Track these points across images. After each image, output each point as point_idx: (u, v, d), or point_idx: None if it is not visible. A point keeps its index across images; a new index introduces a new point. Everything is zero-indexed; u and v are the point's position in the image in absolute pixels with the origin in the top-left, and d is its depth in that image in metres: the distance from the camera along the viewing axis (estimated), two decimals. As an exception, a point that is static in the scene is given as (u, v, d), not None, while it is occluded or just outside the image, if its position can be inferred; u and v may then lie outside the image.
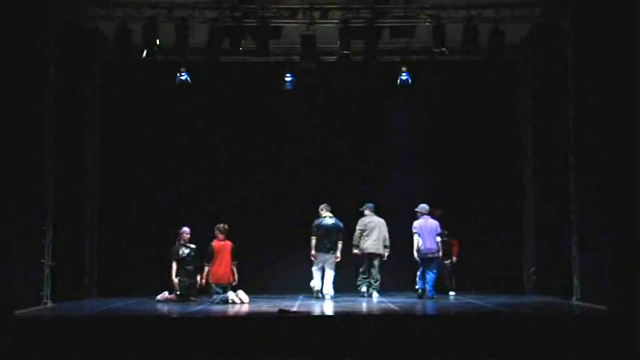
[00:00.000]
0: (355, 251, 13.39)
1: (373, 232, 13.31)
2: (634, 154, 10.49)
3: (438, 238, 13.18)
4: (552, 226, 13.46)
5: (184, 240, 13.04)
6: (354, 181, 14.92)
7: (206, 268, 12.59)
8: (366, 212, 13.50)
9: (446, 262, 13.81)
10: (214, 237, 12.66)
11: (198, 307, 11.84)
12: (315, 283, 13.25)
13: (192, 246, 13.04)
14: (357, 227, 13.39)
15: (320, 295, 13.10)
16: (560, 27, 12.74)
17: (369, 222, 13.40)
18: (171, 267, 12.84)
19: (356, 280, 13.48)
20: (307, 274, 13.51)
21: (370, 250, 13.29)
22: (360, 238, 13.36)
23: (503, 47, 12.96)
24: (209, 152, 14.93)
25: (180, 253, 12.95)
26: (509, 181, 14.74)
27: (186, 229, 13.12)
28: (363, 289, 13.32)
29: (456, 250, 14.05)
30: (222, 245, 12.58)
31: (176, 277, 12.80)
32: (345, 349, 9.52)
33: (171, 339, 9.62)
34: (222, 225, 12.66)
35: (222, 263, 12.50)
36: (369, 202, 13.61)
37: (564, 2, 12.46)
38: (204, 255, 12.69)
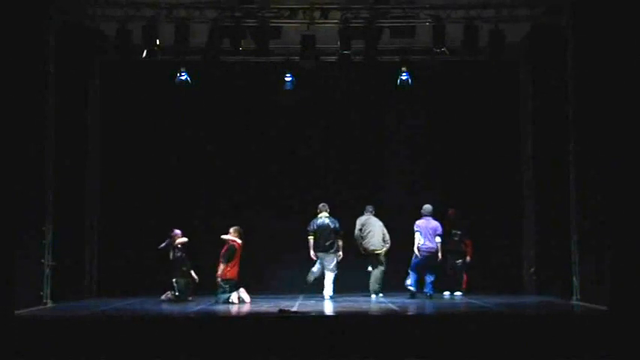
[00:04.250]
0: (361, 249, 13.39)
1: (372, 231, 13.32)
2: (634, 154, 10.49)
3: (438, 239, 13.23)
4: (552, 226, 13.45)
5: (182, 243, 13.16)
6: (354, 181, 14.90)
7: (222, 266, 12.57)
8: (365, 213, 13.52)
9: (457, 261, 13.80)
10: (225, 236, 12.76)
11: (198, 307, 11.85)
12: (311, 274, 13.31)
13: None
14: (356, 226, 13.41)
15: (311, 279, 13.21)
16: (560, 27, 12.74)
17: (367, 219, 13.44)
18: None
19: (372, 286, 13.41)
20: (307, 274, 13.50)
21: (374, 247, 13.30)
22: (360, 237, 13.38)
23: (504, 47, 12.96)
24: (209, 152, 14.92)
25: (180, 255, 13.08)
26: (509, 181, 14.74)
27: (178, 232, 13.24)
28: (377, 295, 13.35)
29: (470, 250, 14.05)
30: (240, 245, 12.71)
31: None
32: (345, 349, 9.52)
33: (171, 339, 9.63)
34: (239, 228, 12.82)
35: (238, 262, 12.65)
36: (370, 204, 13.63)
37: (564, 2, 12.46)
38: (225, 253, 12.63)
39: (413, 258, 13.28)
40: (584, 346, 9.50)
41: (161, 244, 13.20)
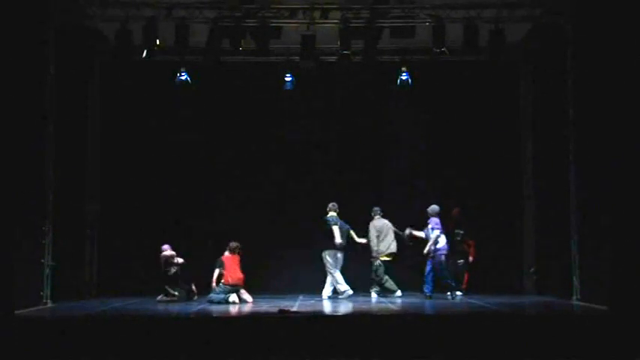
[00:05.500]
0: (375, 255, 13.34)
1: (389, 234, 13.33)
2: (634, 154, 10.49)
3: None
4: (552, 226, 13.46)
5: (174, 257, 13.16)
6: (353, 180, 14.89)
7: (217, 271, 12.66)
8: (376, 217, 13.49)
9: (459, 261, 13.79)
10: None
11: (198, 307, 11.85)
12: (345, 287, 13.17)
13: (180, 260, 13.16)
14: (372, 231, 13.38)
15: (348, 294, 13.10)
16: (560, 27, 12.74)
17: (383, 225, 13.42)
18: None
19: (372, 286, 13.40)
20: (307, 274, 13.52)
21: (393, 251, 13.30)
22: (377, 240, 13.35)
23: (503, 47, 12.95)
24: (209, 152, 14.92)
25: (176, 270, 13.05)
26: (509, 181, 14.74)
27: (166, 247, 13.18)
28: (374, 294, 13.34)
29: (472, 250, 14.06)
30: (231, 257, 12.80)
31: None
32: (345, 349, 9.52)
33: (171, 339, 9.62)
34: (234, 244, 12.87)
35: (235, 270, 12.68)
36: (376, 205, 13.62)
37: (564, 2, 12.47)
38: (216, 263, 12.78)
39: (430, 261, 13.12)
40: (584, 346, 9.50)
41: (166, 268, 13.07)
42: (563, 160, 12.60)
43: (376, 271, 13.34)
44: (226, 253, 12.82)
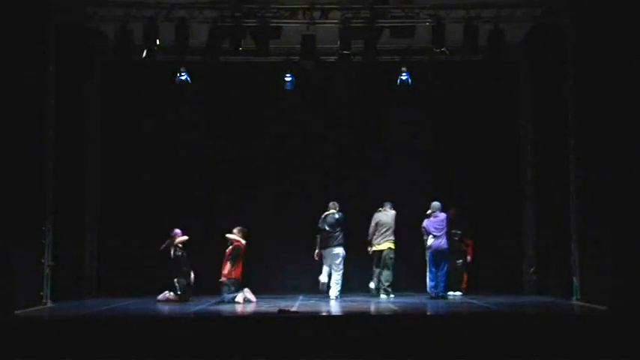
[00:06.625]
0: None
1: (385, 227, 13.35)
2: (634, 154, 10.49)
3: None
4: (552, 226, 13.46)
5: (182, 242, 13.11)
6: (353, 181, 14.91)
7: (228, 266, 12.60)
8: (384, 209, 13.51)
9: (458, 261, 13.79)
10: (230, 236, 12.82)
11: (198, 307, 11.85)
12: (323, 278, 13.17)
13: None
14: (372, 222, 13.43)
15: (325, 288, 13.06)
16: (560, 27, 12.75)
17: (383, 218, 13.42)
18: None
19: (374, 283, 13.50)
20: (307, 273, 13.51)
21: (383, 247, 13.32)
22: (375, 233, 13.40)
23: (503, 47, 12.95)
24: (209, 152, 14.93)
25: (181, 254, 13.02)
26: (509, 181, 14.74)
27: (178, 231, 13.18)
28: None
29: (470, 250, 14.05)
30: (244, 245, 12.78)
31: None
32: (345, 349, 9.52)
33: (171, 339, 9.62)
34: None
35: (242, 262, 12.71)
36: (386, 201, 13.63)
37: (564, 2, 12.47)
38: (231, 254, 12.68)
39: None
40: (584, 346, 9.49)
41: (162, 245, 13.16)
42: (564, 160, 12.59)
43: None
44: (242, 241, 12.73)
